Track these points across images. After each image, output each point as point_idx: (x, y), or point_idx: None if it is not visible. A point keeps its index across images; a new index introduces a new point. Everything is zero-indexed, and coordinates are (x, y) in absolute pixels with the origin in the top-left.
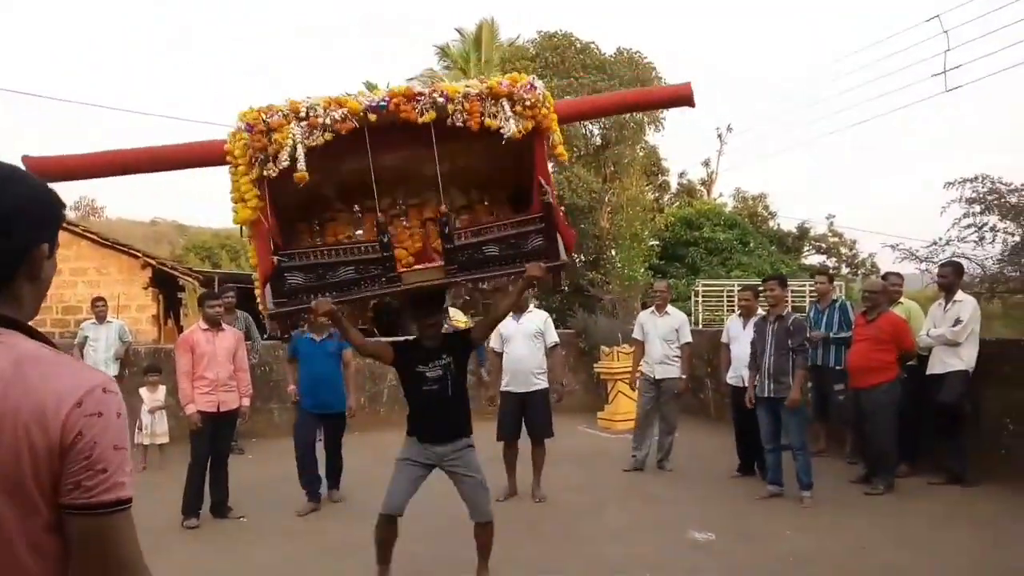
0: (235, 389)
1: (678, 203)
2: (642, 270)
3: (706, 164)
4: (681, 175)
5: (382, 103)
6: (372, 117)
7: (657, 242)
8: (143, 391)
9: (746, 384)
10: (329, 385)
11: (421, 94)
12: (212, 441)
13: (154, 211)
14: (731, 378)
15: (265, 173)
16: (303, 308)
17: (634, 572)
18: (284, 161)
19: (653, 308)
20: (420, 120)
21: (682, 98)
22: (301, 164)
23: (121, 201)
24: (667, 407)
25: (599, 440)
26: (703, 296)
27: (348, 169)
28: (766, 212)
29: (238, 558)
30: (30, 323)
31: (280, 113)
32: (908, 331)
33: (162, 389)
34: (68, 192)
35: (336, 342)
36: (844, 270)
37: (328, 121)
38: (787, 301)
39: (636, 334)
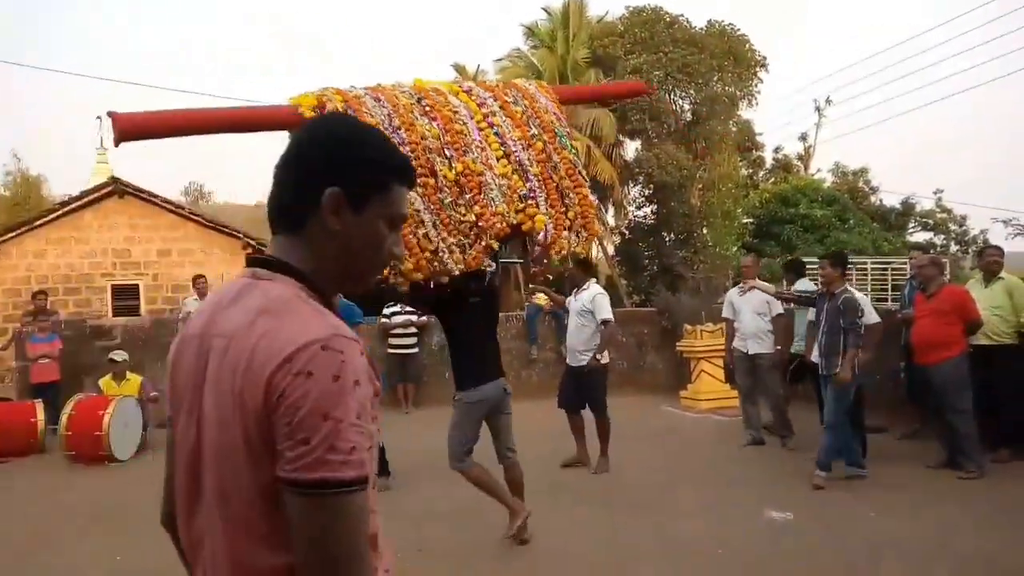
0: None
1: (773, 179)
2: (734, 248)
3: (803, 138)
4: (776, 150)
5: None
6: None
7: (751, 220)
8: None
9: None
10: None
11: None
12: None
13: (258, 195)
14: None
15: None
16: None
17: (706, 549)
18: None
19: (741, 283)
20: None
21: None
22: None
23: (228, 185)
24: (766, 381)
25: (680, 419)
26: None
27: None
28: (867, 187)
29: None
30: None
31: None
32: (972, 302)
33: None
34: (178, 177)
35: (354, 320)
36: (953, 247)
37: None
38: (842, 279)
39: (726, 312)
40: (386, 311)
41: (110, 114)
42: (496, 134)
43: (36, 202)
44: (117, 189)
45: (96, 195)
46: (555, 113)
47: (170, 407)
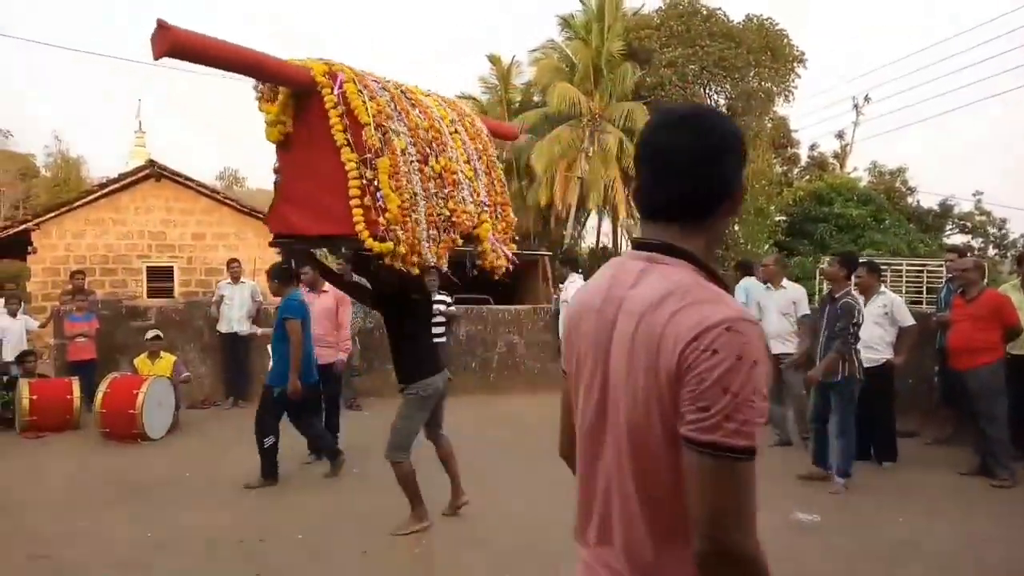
0: (333, 345)
1: (808, 177)
2: (766, 246)
3: (840, 136)
4: (812, 148)
5: None
6: None
7: (784, 218)
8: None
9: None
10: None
11: None
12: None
13: None
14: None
15: None
16: None
17: None
18: None
19: (768, 282)
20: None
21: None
22: None
23: (261, 172)
24: (788, 382)
25: None
26: None
27: None
28: (904, 187)
29: (343, 505)
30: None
31: None
32: (1012, 308)
33: None
34: (214, 162)
35: (280, 315)
36: (991, 251)
37: None
38: (846, 282)
39: (752, 312)
40: None
41: (158, 21)
42: (462, 140)
43: (76, 183)
44: (154, 172)
45: (134, 178)
46: (488, 136)
47: (566, 364)
